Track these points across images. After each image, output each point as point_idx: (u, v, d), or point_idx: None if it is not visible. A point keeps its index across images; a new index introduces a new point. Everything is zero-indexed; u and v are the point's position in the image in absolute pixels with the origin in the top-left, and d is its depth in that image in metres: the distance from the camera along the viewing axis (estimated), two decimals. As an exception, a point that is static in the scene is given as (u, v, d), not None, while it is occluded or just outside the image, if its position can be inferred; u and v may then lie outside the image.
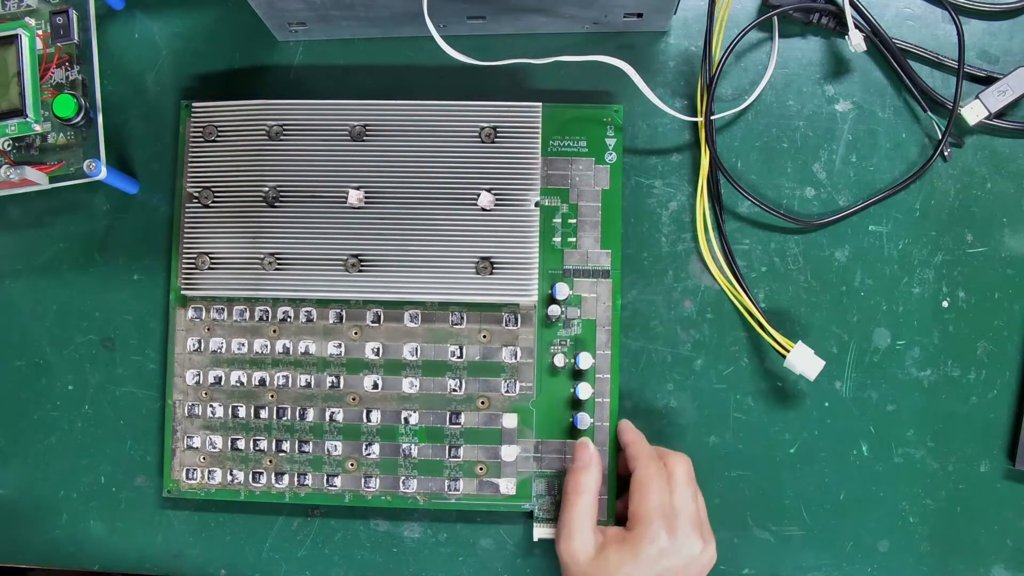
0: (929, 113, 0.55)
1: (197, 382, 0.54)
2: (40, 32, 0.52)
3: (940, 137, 0.54)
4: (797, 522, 0.54)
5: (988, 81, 0.54)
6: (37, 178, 0.51)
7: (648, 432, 0.55)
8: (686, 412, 0.55)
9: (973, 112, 0.54)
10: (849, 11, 0.53)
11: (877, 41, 0.55)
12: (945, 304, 0.55)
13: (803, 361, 0.52)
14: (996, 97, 0.54)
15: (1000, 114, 0.54)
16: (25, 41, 0.52)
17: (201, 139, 0.54)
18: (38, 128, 0.52)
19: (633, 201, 0.56)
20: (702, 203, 0.55)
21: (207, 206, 0.53)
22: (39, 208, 0.57)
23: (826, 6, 0.54)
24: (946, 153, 0.55)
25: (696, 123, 0.55)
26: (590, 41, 0.56)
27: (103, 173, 0.51)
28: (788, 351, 0.52)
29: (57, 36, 0.52)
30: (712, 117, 0.54)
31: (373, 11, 0.53)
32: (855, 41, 0.52)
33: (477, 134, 0.52)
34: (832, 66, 0.56)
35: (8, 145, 0.52)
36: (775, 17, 0.55)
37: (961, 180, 0.55)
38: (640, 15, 0.54)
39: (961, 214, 0.55)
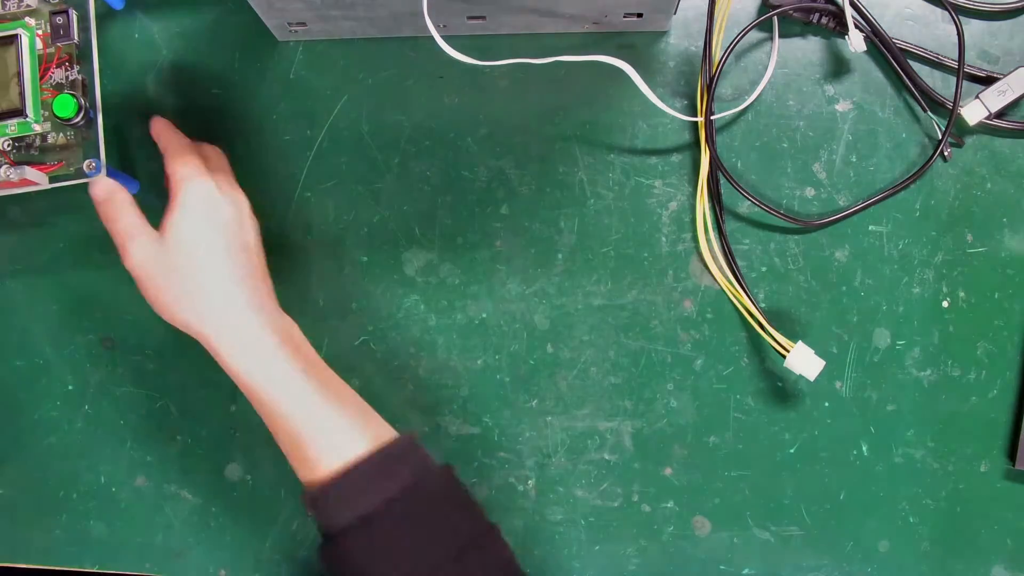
0: (929, 113, 0.55)
1: None
2: (40, 32, 0.52)
3: (940, 137, 0.54)
4: (797, 522, 0.54)
5: (988, 81, 0.54)
6: (37, 178, 0.51)
7: (648, 431, 0.55)
8: (686, 412, 0.55)
9: (973, 112, 0.54)
10: (849, 11, 0.53)
11: (877, 41, 0.55)
12: (945, 304, 0.55)
13: (803, 361, 0.52)
14: (996, 97, 0.54)
15: (1000, 114, 0.54)
16: (25, 41, 0.51)
17: None
18: (38, 128, 0.51)
19: (633, 201, 0.56)
20: (702, 203, 0.55)
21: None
22: (39, 208, 0.57)
23: (826, 6, 0.54)
24: (946, 153, 0.55)
25: (696, 123, 0.55)
26: (590, 41, 0.56)
27: (103, 173, 0.51)
28: (788, 351, 0.52)
29: (57, 36, 0.52)
30: (712, 117, 0.54)
31: (373, 11, 0.53)
32: (855, 41, 0.52)
33: None
34: (832, 66, 0.56)
35: (8, 145, 0.52)
36: (775, 17, 0.55)
37: (961, 180, 0.55)
38: (640, 15, 0.54)
39: (961, 214, 0.55)
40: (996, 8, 0.55)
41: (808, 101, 0.56)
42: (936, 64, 0.55)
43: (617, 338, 0.55)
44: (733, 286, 0.55)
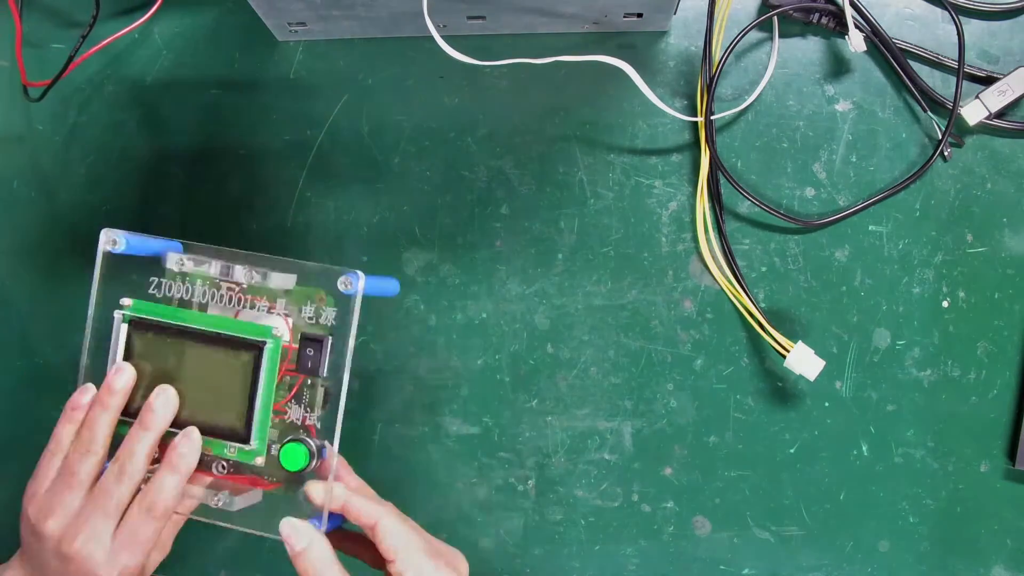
0: (929, 113, 0.55)
1: None
2: (286, 342, 0.43)
3: (940, 137, 0.54)
4: (797, 522, 0.54)
5: (988, 81, 0.54)
6: (252, 502, 0.44)
7: (648, 431, 0.55)
8: (686, 412, 0.55)
9: (973, 112, 0.54)
10: (849, 11, 0.53)
11: (877, 41, 0.55)
12: (945, 304, 0.55)
13: (803, 361, 0.52)
14: (996, 97, 0.54)
15: (1000, 114, 0.54)
16: (267, 356, 0.42)
17: None
18: (260, 462, 0.43)
19: (633, 201, 0.56)
20: (702, 203, 0.55)
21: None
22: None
23: (826, 6, 0.54)
24: (946, 153, 0.55)
25: (696, 123, 0.55)
26: (590, 41, 0.56)
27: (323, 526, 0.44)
28: (788, 351, 0.52)
29: (304, 367, 0.42)
30: (712, 117, 0.54)
31: (373, 11, 0.53)
32: (855, 41, 0.52)
33: None
34: (832, 66, 0.56)
35: (221, 467, 0.44)
36: (775, 17, 0.55)
37: (961, 180, 0.55)
38: (640, 15, 0.54)
39: (961, 214, 0.55)
40: (996, 8, 0.55)
41: (808, 101, 0.56)
42: (936, 64, 0.55)
43: (617, 338, 0.55)
44: (733, 286, 0.55)
